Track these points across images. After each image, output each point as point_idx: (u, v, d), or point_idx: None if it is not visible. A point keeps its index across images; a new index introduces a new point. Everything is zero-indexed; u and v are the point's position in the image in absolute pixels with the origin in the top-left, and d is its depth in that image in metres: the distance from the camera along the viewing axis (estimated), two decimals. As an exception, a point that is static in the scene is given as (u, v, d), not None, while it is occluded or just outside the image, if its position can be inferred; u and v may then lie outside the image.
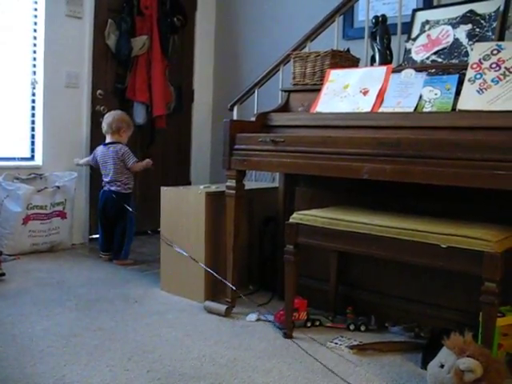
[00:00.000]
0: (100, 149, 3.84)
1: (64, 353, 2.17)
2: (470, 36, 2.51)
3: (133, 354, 2.19)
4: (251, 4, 5.01)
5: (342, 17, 3.63)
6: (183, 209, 2.96)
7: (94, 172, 4.13)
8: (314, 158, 2.35)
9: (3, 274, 3.17)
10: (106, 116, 3.89)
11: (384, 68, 2.60)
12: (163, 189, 3.09)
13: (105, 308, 2.75)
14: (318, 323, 2.58)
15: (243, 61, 5.08)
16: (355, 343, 2.34)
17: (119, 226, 3.76)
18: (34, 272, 3.38)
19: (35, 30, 4.10)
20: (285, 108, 2.94)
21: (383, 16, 2.88)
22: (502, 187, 1.86)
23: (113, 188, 3.75)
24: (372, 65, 2.89)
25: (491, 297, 1.82)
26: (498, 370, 1.71)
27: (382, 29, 2.85)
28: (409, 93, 2.44)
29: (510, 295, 2.12)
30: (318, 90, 2.75)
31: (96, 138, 4.23)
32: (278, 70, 3.73)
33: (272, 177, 4.00)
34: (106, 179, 3.79)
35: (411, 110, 2.38)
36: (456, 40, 2.55)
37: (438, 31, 2.63)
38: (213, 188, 3.02)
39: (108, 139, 3.83)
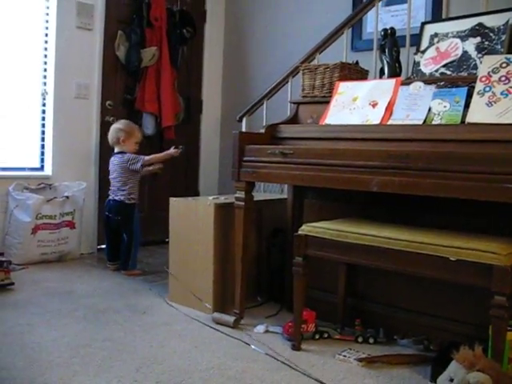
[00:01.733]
0: (111, 159, 3.87)
1: (72, 363, 2.18)
2: (479, 49, 2.51)
3: (141, 365, 2.20)
4: (260, 16, 5.04)
5: (350, 29, 3.64)
6: (192, 220, 2.96)
7: (103, 182, 4.16)
8: (323, 170, 2.35)
9: (12, 284, 3.19)
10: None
11: (393, 80, 2.61)
12: (172, 200, 3.10)
13: (113, 319, 2.76)
14: (326, 335, 2.57)
15: (252, 72, 5.11)
16: (364, 356, 2.33)
17: (125, 236, 3.77)
18: (43, 282, 3.39)
19: (46, 42, 4.15)
20: (294, 120, 2.95)
21: (392, 29, 2.89)
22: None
23: (116, 197, 3.77)
24: (381, 77, 2.90)
25: (501, 310, 1.82)
26: (508, 385, 1.70)
27: (390, 41, 2.87)
28: (418, 105, 2.44)
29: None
30: (327, 102, 2.76)
31: (105, 149, 4.26)
32: (287, 81, 3.75)
33: (281, 188, 4.01)
34: (111, 188, 3.81)
35: (420, 122, 2.38)
36: (465, 53, 2.55)
37: (446, 44, 2.64)
38: (222, 199, 3.02)
39: (115, 150, 3.86)
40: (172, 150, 3.88)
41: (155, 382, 2.05)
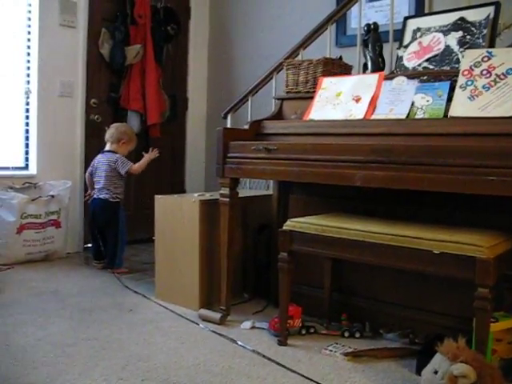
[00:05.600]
0: (98, 156, 3.84)
1: (58, 363, 2.17)
2: (461, 43, 2.52)
3: (127, 362, 2.19)
4: (245, 12, 5.03)
5: (334, 24, 3.65)
6: (177, 217, 2.95)
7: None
8: (307, 166, 2.35)
9: (-3, 284, 3.17)
10: (111, 126, 3.90)
11: (376, 75, 2.62)
12: (157, 197, 3.09)
13: (99, 317, 2.75)
14: (312, 330, 2.58)
15: (237, 69, 5.10)
16: (350, 350, 2.34)
17: (111, 234, 3.75)
18: (29, 281, 3.37)
19: (29, 40, 4.12)
20: (278, 116, 2.94)
21: (375, 24, 2.89)
22: (494, 193, 1.87)
23: (101, 196, 3.75)
24: (364, 72, 2.90)
25: (484, 302, 1.83)
26: (491, 376, 1.71)
27: (373, 36, 2.87)
28: (401, 100, 2.45)
29: (503, 300, 2.13)
30: (311, 98, 2.76)
31: (90, 147, 4.25)
32: (271, 77, 3.75)
33: (266, 184, 4.01)
34: (96, 186, 3.79)
35: (403, 116, 2.39)
36: (447, 47, 2.56)
37: (429, 38, 2.64)
38: (207, 196, 3.02)
39: (107, 147, 3.84)
40: (151, 153, 3.86)
41: (141, 379, 2.04)
